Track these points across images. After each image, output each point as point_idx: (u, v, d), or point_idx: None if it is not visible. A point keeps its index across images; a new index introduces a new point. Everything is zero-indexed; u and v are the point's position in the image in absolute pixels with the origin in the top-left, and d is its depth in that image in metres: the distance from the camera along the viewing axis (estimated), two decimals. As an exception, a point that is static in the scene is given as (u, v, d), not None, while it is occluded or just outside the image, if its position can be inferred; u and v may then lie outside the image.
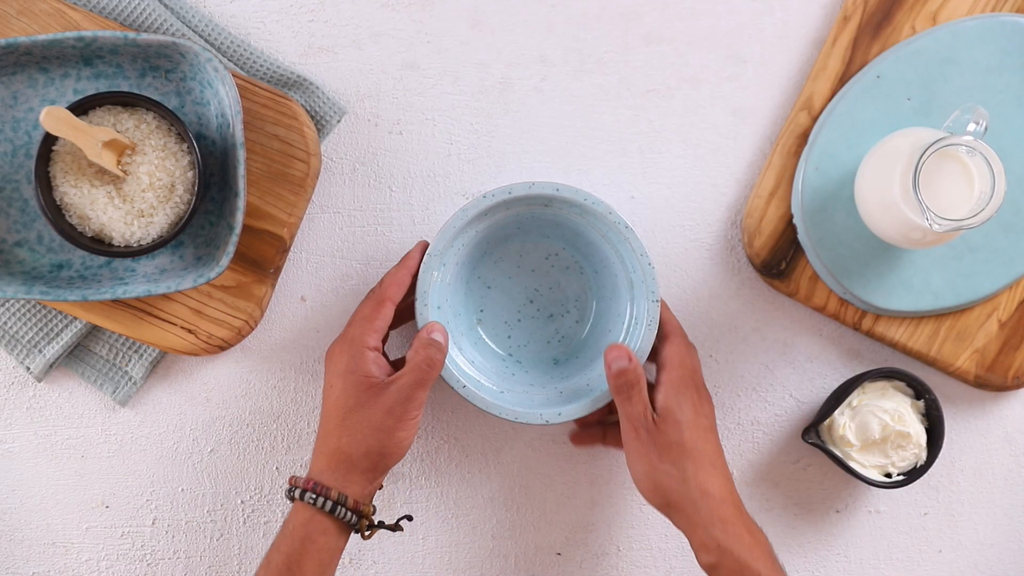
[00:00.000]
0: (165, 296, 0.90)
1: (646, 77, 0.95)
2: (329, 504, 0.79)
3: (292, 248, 0.94)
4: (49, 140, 0.85)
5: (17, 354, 0.92)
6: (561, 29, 0.94)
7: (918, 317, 0.93)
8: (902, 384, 0.92)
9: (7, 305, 0.92)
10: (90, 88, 0.88)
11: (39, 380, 0.93)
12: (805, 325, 0.95)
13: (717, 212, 0.95)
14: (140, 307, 0.90)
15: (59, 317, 0.92)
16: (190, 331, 0.90)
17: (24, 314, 0.91)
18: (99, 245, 0.86)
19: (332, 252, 0.95)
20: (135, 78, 0.88)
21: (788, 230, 0.92)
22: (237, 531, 0.95)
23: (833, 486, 0.96)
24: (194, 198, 0.86)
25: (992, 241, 0.91)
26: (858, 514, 0.96)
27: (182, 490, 0.95)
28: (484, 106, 0.94)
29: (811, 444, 0.91)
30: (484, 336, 0.91)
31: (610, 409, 0.90)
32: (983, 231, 0.91)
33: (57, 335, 0.92)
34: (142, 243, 0.87)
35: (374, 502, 0.91)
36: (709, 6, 0.94)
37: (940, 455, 0.92)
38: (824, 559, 0.97)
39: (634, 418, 0.81)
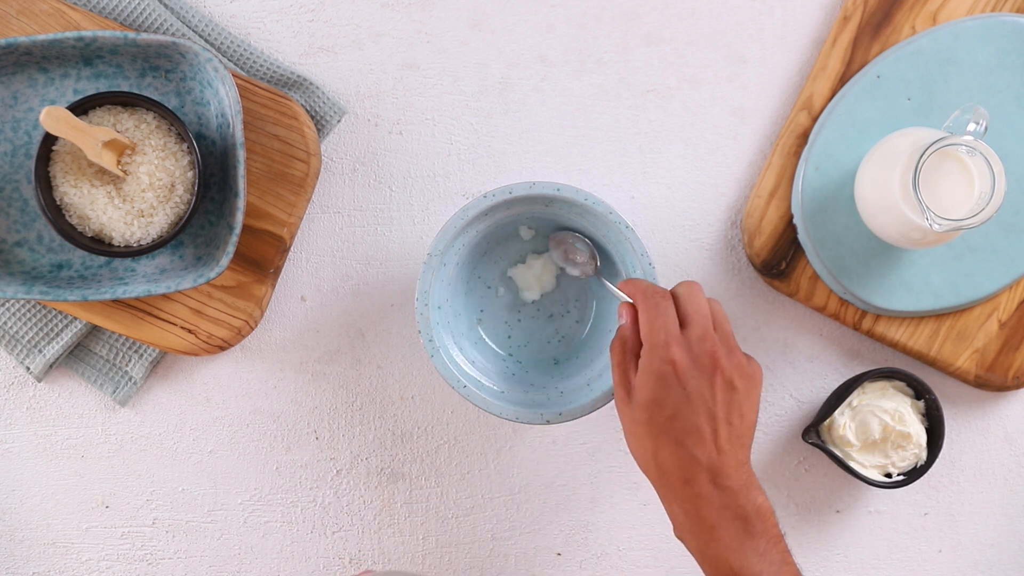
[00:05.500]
0: (165, 296, 0.90)
1: (646, 77, 0.95)
2: None
3: (292, 248, 0.94)
4: (49, 140, 0.85)
5: (17, 354, 0.92)
6: (561, 29, 0.94)
7: (918, 317, 0.93)
8: (902, 384, 0.92)
9: (7, 305, 0.92)
10: (90, 88, 0.88)
11: (39, 380, 0.93)
12: (805, 325, 0.95)
13: (717, 212, 0.95)
14: (140, 307, 0.90)
15: (59, 317, 0.91)
16: (190, 331, 0.90)
17: (24, 314, 0.91)
18: (99, 245, 0.86)
19: (332, 252, 0.95)
20: (135, 78, 0.88)
21: (788, 230, 0.92)
22: (237, 531, 0.95)
23: (833, 486, 0.96)
24: (194, 198, 0.86)
25: (992, 241, 0.91)
26: (858, 514, 0.96)
27: (182, 490, 0.95)
28: (484, 106, 0.94)
29: (811, 444, 0.91)
30: (484, 336, 0.91)
31: None
32: (983, 231, 0.91)
33: (57, 335, 0.92)
34: (142, 243, 0.87)
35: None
36: (709, 6, 0.94)
37: (940, 455, 0.92)
38: (824, 559, 0.97)
39: (616, 382, 0.79)
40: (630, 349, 0.78)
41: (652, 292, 0.79)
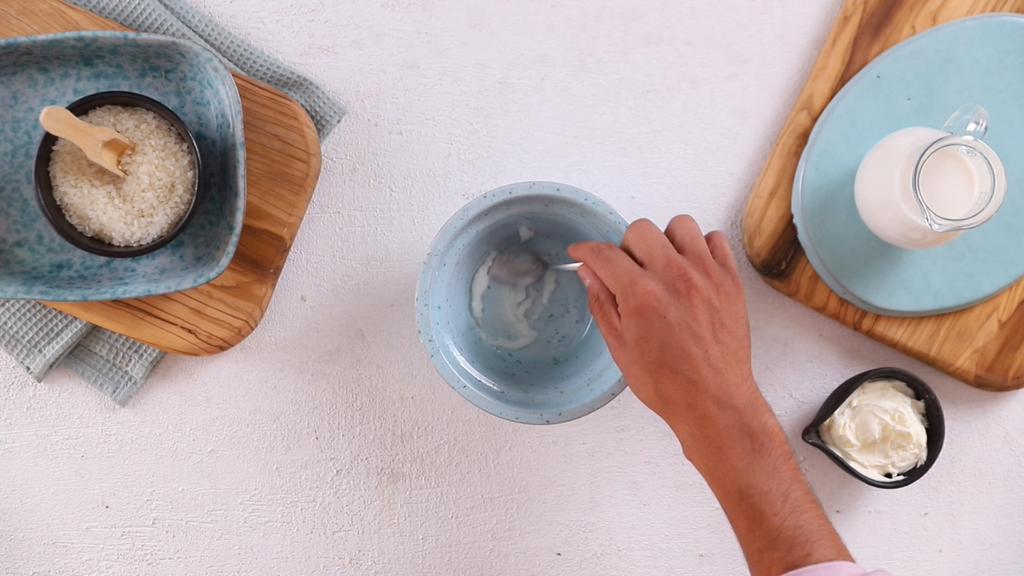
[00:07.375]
0: (165, 296, 0.90)
1: (646, 77, 0.95)
2: None
3: (292, 248, 0.94)
4: (49, 140, 0.85)
5: (17, 354, 0.92)
6: (561, 29, 0.94)
7: (918, 317, 0.93)
8: (902, 384, 0.92)
9: (7, 305, 0.92)
10: (90, 88, 0.88)
11: (39, 380, 0.93)
12: (805, 325, 0.95)
13: (717, 212, 0.95)
14: (140, 307, 0.90)
15: (59, 317, 0.92)
16: (190, 331, 0.90)
17: (24, 314, 0.91)
18: (99, 245, 0.86)
19: (332, 252, 0.95)
20: (135, 78, 0.88)
21: (788, 230, 0.92)
22: (237, 531, 0.95)
23: (833, 486, 0.96)
24: (194, 198, 0.86)
25: (992, 241, 0.91)
26: (858, 514, 0.96)
27: (182, 490, 0.95)
28: (484, 106, 0.94)
29: (811, 444, 0.91)
30: (484, 336, 0.91)
31: None
32: (983, 231, 0.91)
33: (57, 335, 0.92)
34: (142, 243, 0.87)
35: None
36: (709, 6, 0.94)
37: (940, 455, 0.92)
38: (824, 559, 0.96)
39: (605, 334, 0.81)
40: (606, 299, 0.80)
41: (597, 247, 0.80)
